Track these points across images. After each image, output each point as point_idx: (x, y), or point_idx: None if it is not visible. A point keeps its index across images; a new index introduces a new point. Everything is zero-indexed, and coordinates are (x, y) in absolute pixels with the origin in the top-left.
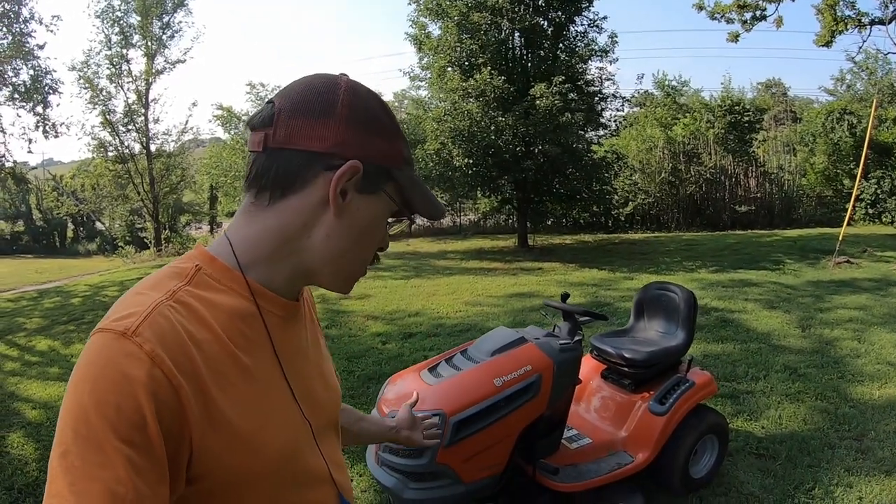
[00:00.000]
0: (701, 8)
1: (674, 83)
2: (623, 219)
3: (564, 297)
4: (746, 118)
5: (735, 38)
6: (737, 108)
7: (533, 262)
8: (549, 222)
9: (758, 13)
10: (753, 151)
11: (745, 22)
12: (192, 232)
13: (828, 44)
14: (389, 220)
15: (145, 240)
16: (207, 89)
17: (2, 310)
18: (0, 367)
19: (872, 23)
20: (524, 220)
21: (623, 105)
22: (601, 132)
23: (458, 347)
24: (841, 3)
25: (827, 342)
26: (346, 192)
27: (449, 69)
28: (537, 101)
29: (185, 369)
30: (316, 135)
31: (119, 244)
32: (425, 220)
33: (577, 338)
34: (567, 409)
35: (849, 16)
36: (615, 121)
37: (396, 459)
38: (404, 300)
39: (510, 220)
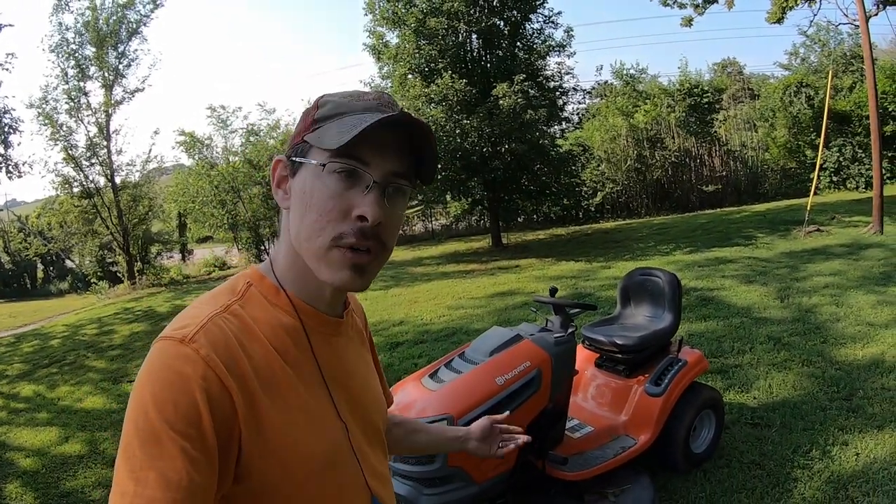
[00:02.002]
0: None
1: (632, 72)
2: (593, 209)
3: (553, 291)
4: (706, 99)
5: (689, 22)
6: (695, 90)
7: (509, 259)
8: (521, 219)
9: None
10: (715, 131)
11: (696, 6)
12: (163, 261)
13: (779, 20)
14: (360, 181)
15: (118, 273)
16: (170, 115)
17: None
18: None
19: None
20: (496, 219)
21: (584, 97)
22: (564, 126)
23: (455, 351)
24: None
25: (806, 310)
26: (283, 184)
27: (410, 77)
28: (500, 101)
29: (236, 374)
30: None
31: (91, 280)
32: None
33: (570, 330)
34: (567, 400)
35: None
36: (578, 113)
37: (407, 467)
38: (386, 310)
39: (482, 221)
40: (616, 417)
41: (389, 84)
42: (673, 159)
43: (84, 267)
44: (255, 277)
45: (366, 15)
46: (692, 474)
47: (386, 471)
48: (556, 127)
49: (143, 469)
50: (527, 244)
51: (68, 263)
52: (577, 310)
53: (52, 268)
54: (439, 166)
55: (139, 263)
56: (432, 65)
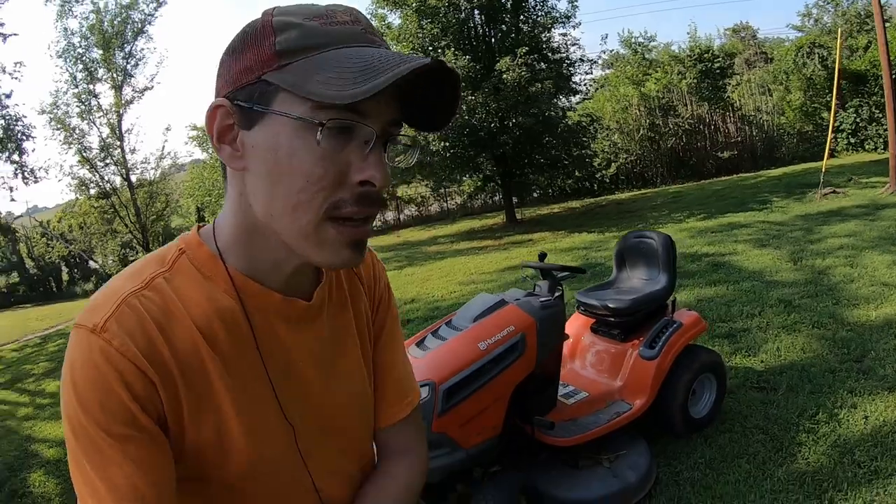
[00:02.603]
0: None
1: (640, 40)
2: (608, 181)
3: (542, 256)
4: (717, 64)
5: None
6: (706, 55)
7: (522, 234)
8: (536, 194)
9: None
10: (728, 97)
11: None
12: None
13: None
14: (353, 136)
15: None
16: (182, 110)
17: (8, 360)
18: (14, 414)
19: None
20: (509, 194)
21: (591, 68)
22: (575, 98)
23: (443, 319)
24: None
25: (819, 272)
26: (234, 138)
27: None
28: (504, 76)
29: (157, 363)
30: (215, 96)
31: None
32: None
33: (556, 294)
34: (558, 366)
35: None
36: (585, 84)
37: None
38: (399, 289)
39: (494, 198)
40: (611, 383)
41: None
42: (686, 126)
43: (107, 267)
44: (191, 244)
45: None
46: (692, 439)
47: (350, 467)
48: (564, 99)
49: (93, 481)
50: (541, 218)
51: (91, 264)
52: (565, 273)
53: (76, 270)
54: (446, 143)
55: None
56: (435, 44)
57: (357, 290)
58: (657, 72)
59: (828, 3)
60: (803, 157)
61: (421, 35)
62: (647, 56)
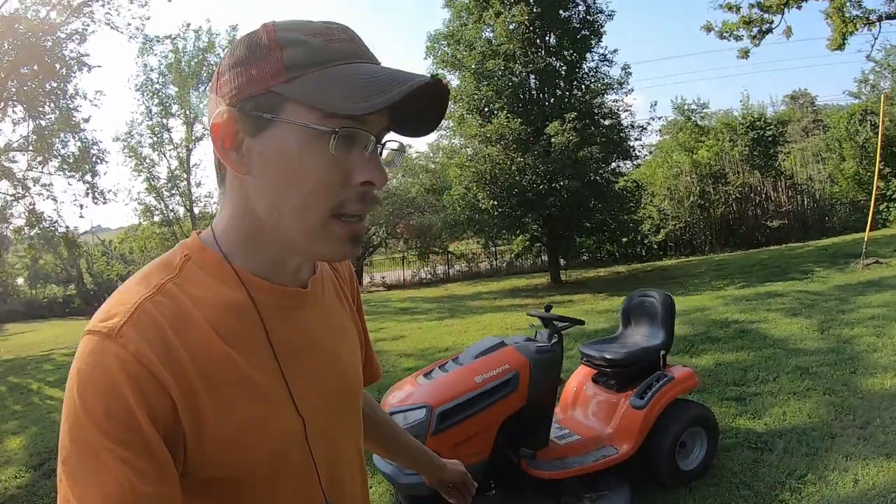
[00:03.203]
0: (709, 29)
1: (693, 106)
2: (656, 246)
3: (548, 308)
4: (769, 132)
5: (745, 54)
6: (758, 123)
7: (564, 295)
8: (585, 257)
9: (763, 27)
10: (780, 165)
11: (753, 37)
12: None
13: (840, 46)
14: (357, 142)
15: None
16: None
17: (59, 363)
18: (58, 410)
19: (881, 18)
20: (555, 256)
21: (640, 134)
22: (626, 164)
23: (451, 357)
24: (848, 3)
25: (844, 341)
26: (240, 144)
27: (468, 116)
28: (553, 139)
29: (173, 368)
30: (212, 104)
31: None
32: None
33: (553, 342)
34: (551, 406)
35: (857, 15)
36: (634, 150)
37: None
38: (437, 338)
39: (544, 258)
40: (603, 429)
41: (450, 123)
42: (737, 195)
43: None
44: (194, 249)
45: (425, 59)
46: (678, 490)
47: (355, 449)
48: (617, 163)
49: (83, 485)
50: (585, 281)
51: None
52: (564, 324)
53: None
54: (495, 202)
55: None
56: (490, 105)
57: (337, 276)
58: (709, 139)
59: (884, 69)
60: (854, 227)
61: (477, 96)
62: (699, 123)
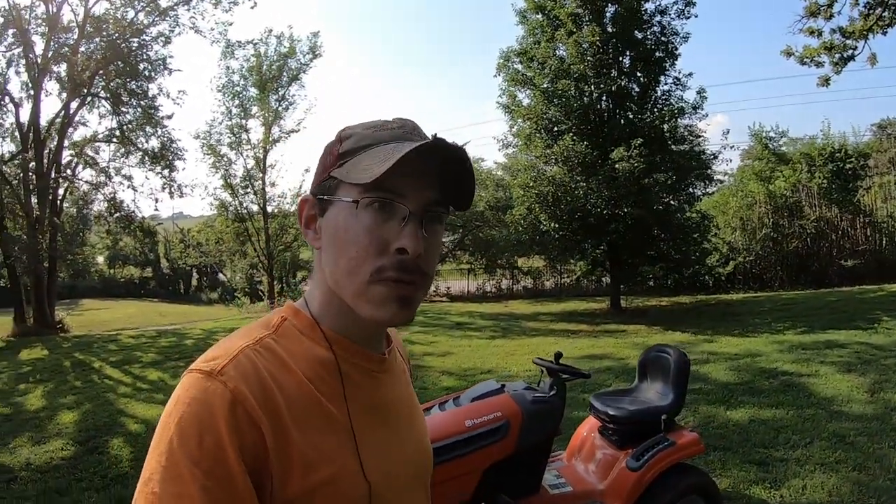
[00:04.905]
0: (790, 54)
1: (771, 134)
2: (724, 279)
3: (557, 355)
4: (850, 165)
5: (826, 82)
6: (838, 154)
7: (619, 324)
8: (651, 284)
9: (845, 53)
10: (859, 200)
11: (835, 64)
12: (305, 287)
13: None
14: (394, 214)
15: (260, 292)
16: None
17: (124, 344)
18: (115, 390)
19: None
20: (617, 282)
21: (711, 162)
22: (699, 191)
23: (453, 395)
24: None
25: (892, 408)
26: (312, 223)
27: (536, 135)
28: (617, 165)
29: (267, 408)
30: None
31: (237, 295)
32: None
33: (552, 392)
34: (544, 456)
35: None
36: (705, 178)
37: None
38: (482, 358)
39: (603, 281)
40: (597, 484)
41: (517, 142)
42: (811, 230)
43: (234, 282)
44: (289, 312)
45: (495, 76)
46: None
47: None
48: (687, 192)
49: None
50: (645, 310)
51: (220, 276)
52: (567, 375)
53: (205, 278)
54: (556, 225)
55: (281, 285)
56: (558, 126)
57: (403, 356)
58: (786, 169)
59: None
60: None
61: (545, 116)
62: (776, 152)
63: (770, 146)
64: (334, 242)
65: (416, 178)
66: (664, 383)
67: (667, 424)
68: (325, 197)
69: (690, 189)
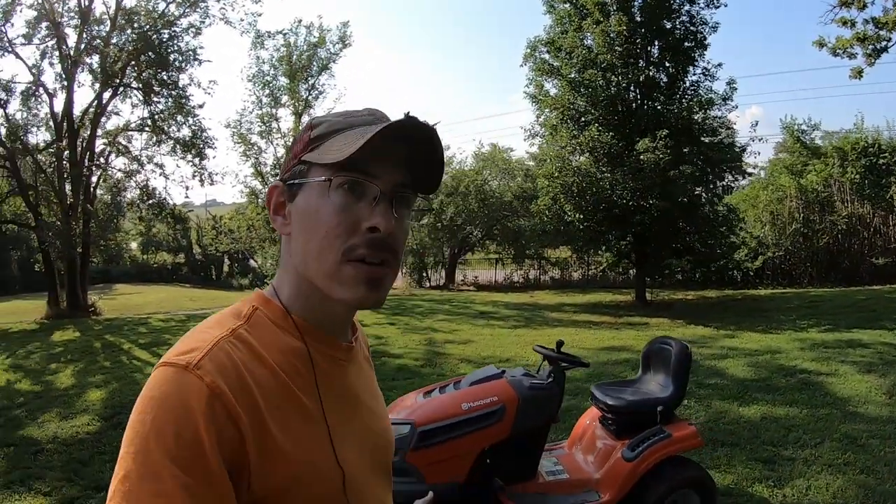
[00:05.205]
0: (822, 45)
1: (803, 126)
2: (752, 274)
3: (559, 344)
4: (883, 160)
5: (858, 73)
6: (871, 149)
7: (642, 317)
8: (680, 277)
9: (879, 45)
10: (892, 196)
11: (868, 55)
12: None
13: None
14: (364, 194)
15: None
16: None
17: (153, 327)
18: (142, 371)
19: None
20: (642, 274)
21: (740, 153)
22: (738, 182)
23: (455, 379)
24: None
25: None
26: (281, 210)
27: (562, 125)
28: (641, 157)
29: (244, 401)
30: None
31: (266, 281)
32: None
33: (549, 380)
34: (538, 441)
35: None
36: (732, 171)
37: None
38: (502, 347)
39: (629, 274)
40: (593, 473)
41: (543, 131)
42: (843, 226)
43: (265, 268)
44: (260, 301)
45: (521, 66)
46: None
47: (389, 500)
48: (716, 184)
49: None
50: (671, 303)
51: (251, 263)
52: (566, 363)
53: (236, 264)
54: (581, 216)
55: None
56: (585, 116)
57: (365, 347)
58: (818, 163)
59: None
60: None
61: (571, 106)
62: (808, 145)
63: (802, 139)
64: (305, 225)
65: (386, 160)
66: (666, 375)
67: (664, 416)
68: (297, 181)
69: (719, 182)
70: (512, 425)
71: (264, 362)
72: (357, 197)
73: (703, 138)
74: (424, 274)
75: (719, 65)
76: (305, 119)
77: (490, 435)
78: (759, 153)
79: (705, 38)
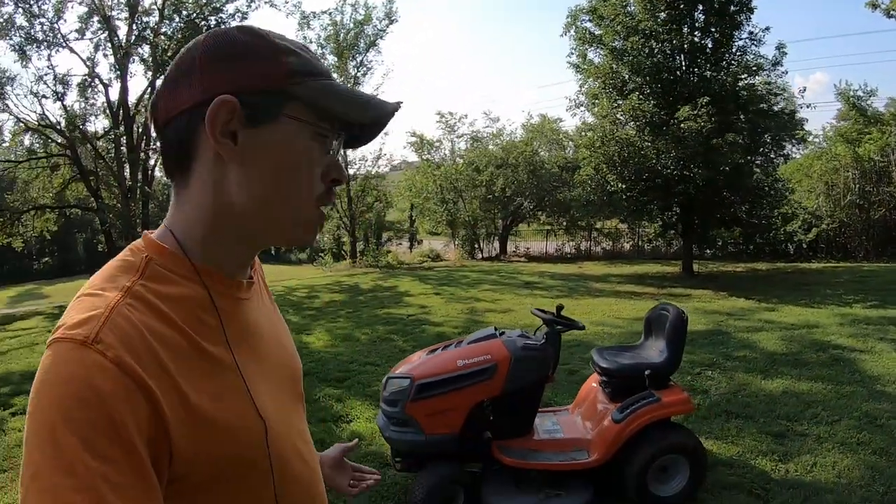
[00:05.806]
0: (875, 6)
1: (859, 93)
2: (805, 246)
3: (559, 308)
4: None
5: None
6: None
7: (686, 288)
8: (731, 249)
9: None
10: None
11: None
12: (393, 248)
13: None
14: (328, 144)
15: (344, 252)
16: (400, 119)
17: None
18: None
19: None
20: (689, 245)
21: (789, 120)
22: (791, 151)
23: (459, 339)
24: None
25: None
26: (234, 134)
27: (604, 94)
28: (682, 125)
29: (154, 371)
30: (185, 93)
31: (322, 255)
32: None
33: (542, 341)
34: (532, 400)
35: None
36: (783, 139)
37: (385, 407)
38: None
39: (677, 243)
40: (586, 433)
41: (585, 100)
42: None
43: (322, 242)
44: (152, 249)
45: (562, 36)
46: None
47: (304, 426)
48: (765, 153)
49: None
50: (717, 275)
51: None
52: (561, 326)
53: None
54: (623, 185)
55: (362, 245)
56: (628, 85)
57: (260, 275)
58: (875, 131)
59: None
60: None
61: (613, 75)
62: (866, 113)
63: (858, 105)
64: (280, 162)
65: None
66: (664, 340)
67: (653, 381)
68: (272, 110)
69: (769, 151)
70: (504, 383)
71: (167, 319)
72: (326, 148)
73: (750, 106)
74: (477, 245)
75: (766, 28)
76: None
77: (482, 390)
78: (807, 120)
79: (751, 1)
